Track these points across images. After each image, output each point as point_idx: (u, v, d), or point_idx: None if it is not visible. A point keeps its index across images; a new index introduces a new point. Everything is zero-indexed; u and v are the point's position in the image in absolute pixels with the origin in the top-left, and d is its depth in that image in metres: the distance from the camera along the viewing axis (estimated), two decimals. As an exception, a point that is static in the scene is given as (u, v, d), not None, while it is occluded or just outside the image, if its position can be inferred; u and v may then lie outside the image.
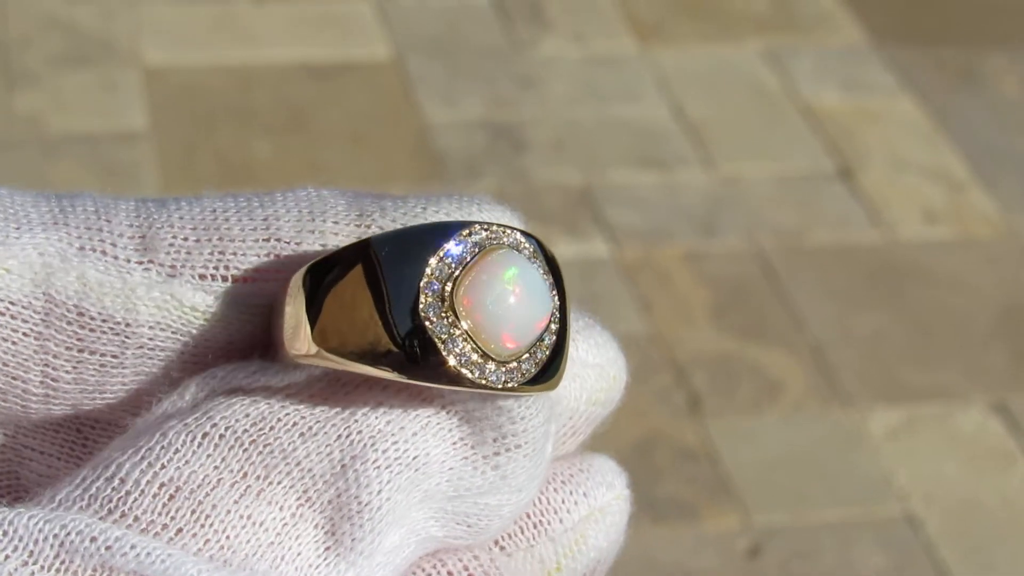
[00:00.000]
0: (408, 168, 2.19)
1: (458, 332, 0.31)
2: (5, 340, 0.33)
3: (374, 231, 0.34)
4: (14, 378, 0.34)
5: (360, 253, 0.32)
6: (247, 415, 0.31)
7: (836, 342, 1.97)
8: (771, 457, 1.80)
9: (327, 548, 0.31)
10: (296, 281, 0.32)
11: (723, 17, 2.57)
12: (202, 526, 0.29)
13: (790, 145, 2.30)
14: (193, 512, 0.29)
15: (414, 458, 0.31)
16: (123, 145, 2.18)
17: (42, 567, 0.28)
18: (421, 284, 0.31)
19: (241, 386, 0.32)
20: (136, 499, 0.30)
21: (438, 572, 0.33)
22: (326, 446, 0.31)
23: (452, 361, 0.31)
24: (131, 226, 0.34)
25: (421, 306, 0.31)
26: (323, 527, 0.30)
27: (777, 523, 1.73)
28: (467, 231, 0.32)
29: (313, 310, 0.32)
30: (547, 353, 0.32)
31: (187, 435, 0.31)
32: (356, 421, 0.31)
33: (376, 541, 0.31)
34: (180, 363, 0.34)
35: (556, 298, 0.33)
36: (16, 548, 0.29)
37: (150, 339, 0.34)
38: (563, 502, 0.36)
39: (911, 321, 2.02)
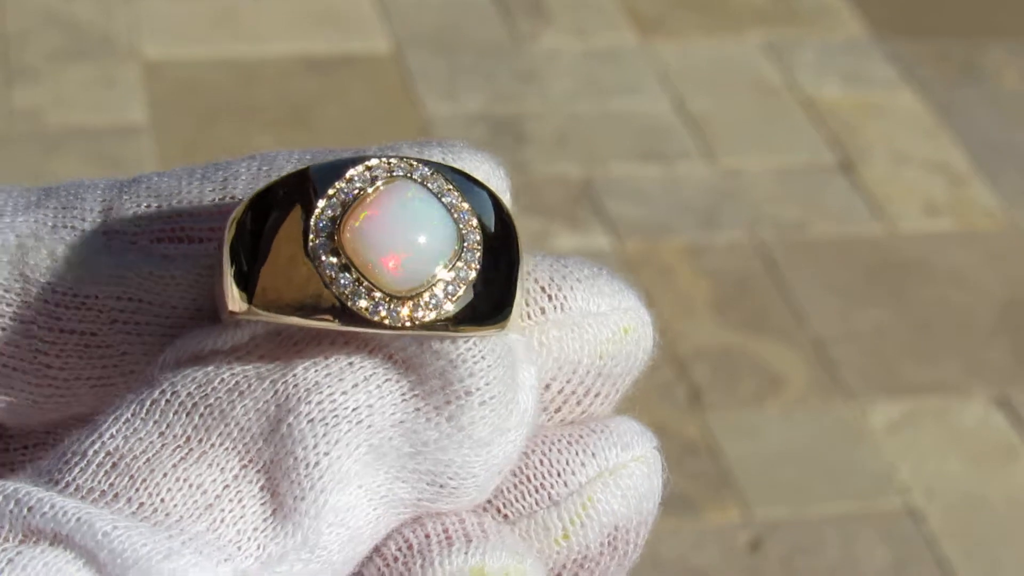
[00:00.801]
0: (408, 162, 2.18)
1: (347, 271, 0.30)
2: None
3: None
4: (14, 368, 0.34)
5: (297, 186, 0.31)
6: (192, 379, 0.31)
7: (837, 336, 1.97)
8: (772, 451, 1.80)
9: (273, 510, 0.30)
10: (229, 226, 0.32)
11: (724, 10, 2.57)
12: (137, 490, 0.29)
13: (791, 138, 2.30)
14: (131, 478, 0.30)
15: (352, 410, 0.30)
16: (123, 139, 2.17)
17: None
18: (311, 223, 0.31)
19: (194, 352, 0.32)
20: (81, 469, 0.30)
21: (416, 535, 0.32)
22: (263, 403, 0.30)
23: (352, 303, 0.30)
24: (101, 201, 0.34)
25: (310, 246, 0.31)
26: (267, 488, 0.30)
27: (778, 517, 1.72)
28: (367, 164, 0.31)
29: (250, 262, 0.31)
30: (463, 288, 0.31)
31: (137, 405, 0.31)
32: (293, 375, 0.31)
33: (320, 499, 0.30)
34: (158, 337, 0.34)
35: (475, 234, 0.31)
36: None
37: (120, 311, 0.34)
38: (567, 463, 0.34)
39: (912, 315, 2.02)
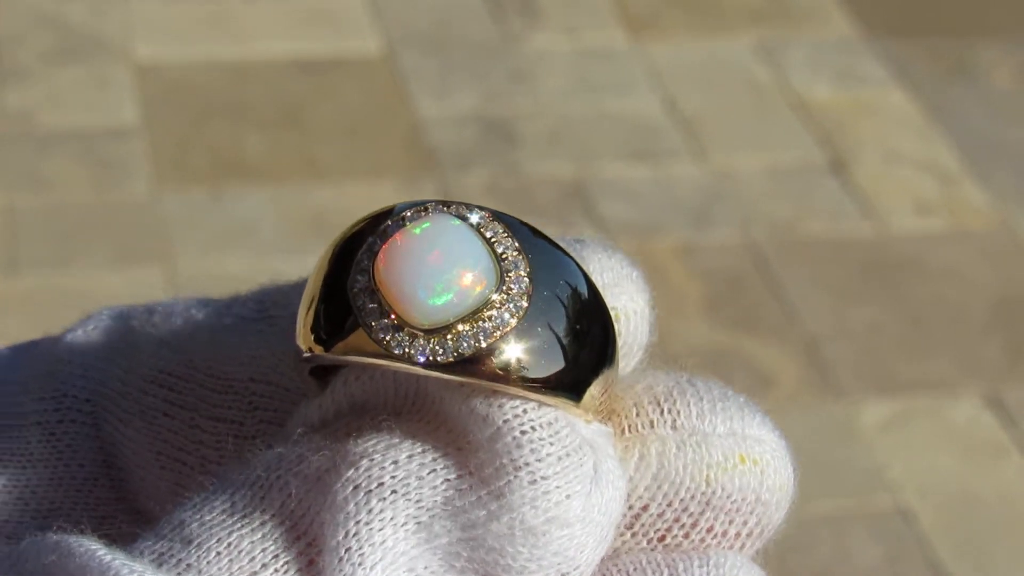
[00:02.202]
0: (400, 162, 2.19)
1: (378, 304, 0.29)
2: (166, 415, 0.34)
3: None
4: (182, 462, 0.34)
5: (378, 223, 0.31)
6: (274, 455, 0.31)
7: (829, 335, 1.97)
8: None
9: None
10: (314, 272, 0.31)
11: (715, 10, 2.57)
12: (188, 552, 0.29)
13: (782, 138, 2.30)
14: (188, 541, 0.30)
15: (400, 480, 0.29)
16: (115, 141, 2.17)
17: None
18: (354, 261, 0.30)
19: (291, 431, 0.32)
20: (155, 536, 0.30)
21: None
22: (314, 469, 0.30)
23: (376, 335, 0.29)
24: (272, 292, 0.35)
25: (349, 283, 0.30)
26: (308, 555, 0.29)
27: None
28: (425, 205, 0.30)
29: (322, 306, 0.30)
30: (497, 335, 0.29)
31: (224, 479, 0.31)
32: (352, 445, 0.30)
33: (358, 573, 0.29)
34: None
35: (523, 280, 0.29)
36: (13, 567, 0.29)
37: (259, 396, 0.34)
38: None
39: (904, 313, 2.02)
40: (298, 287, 0.34)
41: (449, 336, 0.29)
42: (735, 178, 2.21)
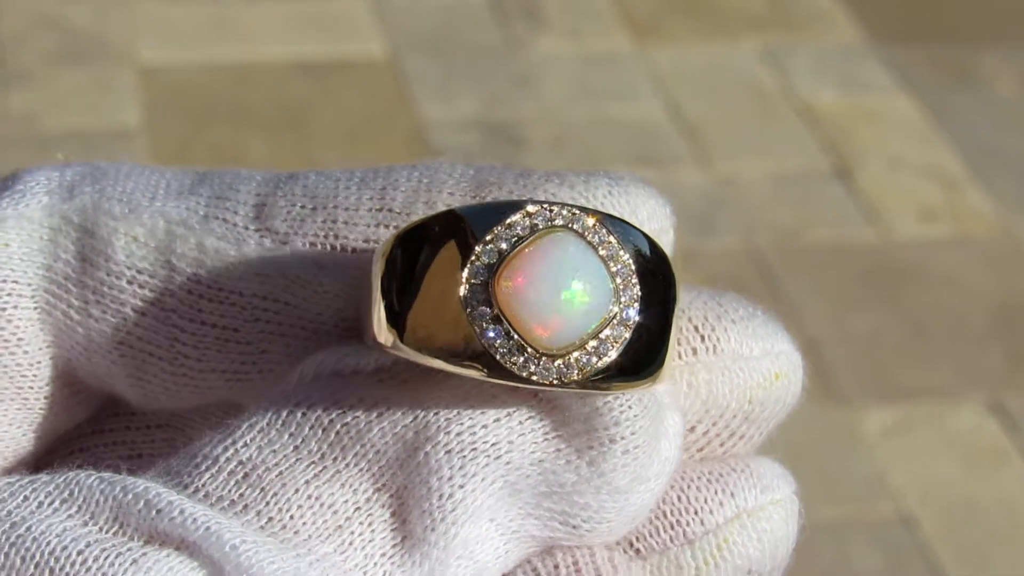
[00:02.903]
0: (403, 166, 2.18)
1: (499, 324, 0.30)
2: (135, 311, 0.33)
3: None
4: (150, 353, 0.34)
5: (451, 225, 0.31)
6: (330, 395, 0.30)
7: (832, 341, 1.97)
8: (765, 456, 1.80)
9: (402, 538, 0.30)
10: (378, 259, 0.31)
11: (719, 15, 2.57)
12: (267, 504, 0.29)
13: (786, 144, 2.30)
14: (263, 490, 0.29)
15: (492, 444, 0.30)
16: (117, 143, 2.17)
17: (100, 528, 0.28)
18: (467, 270, 0.30)
19: (336, 369, 0.32)
20: (212, 475, 0.30)
21: (545, 566, 0.31)
22: (401, 427, 0.30)
23: (502, 358, 0.30)
24: (256, 195, 0.34)
25: (465, 294, 0.30)
26: (397, 514, 0.30)
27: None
28: (527, 211, 0.31)
29: (401, 294, 0.30)
30: (614, 349, 0.30)
31: (273, 415, 0.30)
32: (434, 403, 0.30)
33: (451, 532, 0.29)
34: (301, 341, 0.33)
35: (633, 288, 0.31)
36: (80, 509, 0.29)
37: (264, 311, 0.33)
38: (705, 501, 0.33)
39: (907, 320, 2.02)
40: (289, 192, 0.34)
41: (572, 358, 0.30)
42: (739, 184, 2.21)
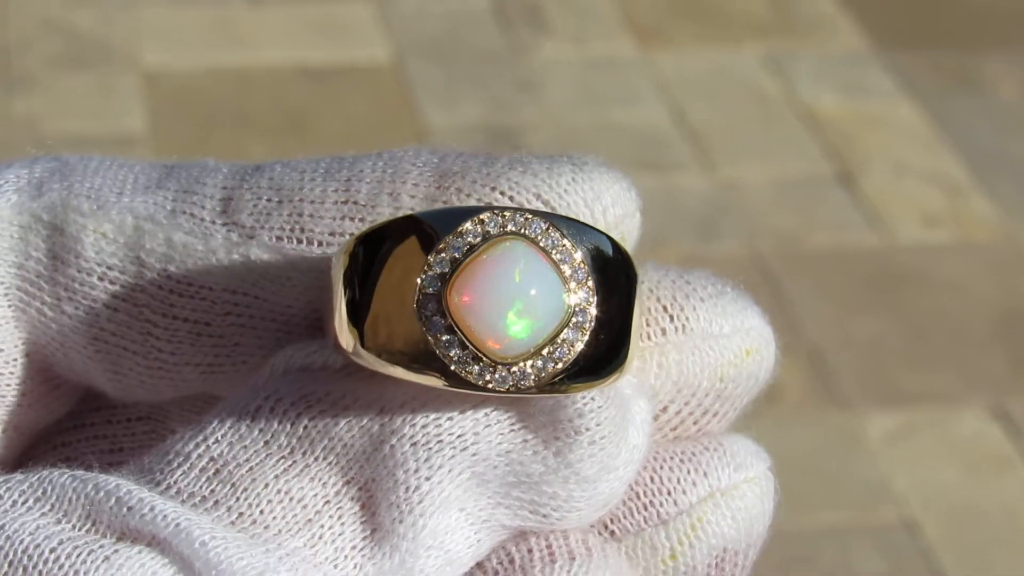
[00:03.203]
0: (407, 171, 2.19)
1: (452, 334, 0.30)
2: (107, 307, 0.34)
3: (452, 196, 0.32)
4: (124, 348, 0.34)
5: (407, 230, 0.31)
6: (299, 389, 0.31)
7: (834, 346, 1.97)
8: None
9: (371, 530, 0.30)
10: (337, 263, 0.31)
11: (722, 21, 2.57)
12: (237, 499, 0.29)
13: (789, 149, 2.30)
14: (233, 486, 0.29)
15: (458, 436, 0.30)
16: (121, 148, 2.17)
17: (73, 526, 0.29)
18: (419, 280, 0.30)
19: (305, 364, 0.32)
20: (183, 472, 0.30)
21: (519, 551, 0.31)
22: (367, 420, 0.30)
23: (458, 368, 0.30)
24: (222, 188, 0.34)
25: (418, 303, 0.30)
26: (366, 507, 0.30)
27: (774, 527, 1.72)
28: (480, 218, 0.31)
29: (361, 298, 0.30)
30: (573, 351, 0.30)
31: (243, 412, 0.30)
32: (400, 396, 0.30)
33: (420, 523, 0.30)
34: (272, 333, 0.33)
35: (588, 290, 0.31)
36: (53, 507, 0.29)
37: (235, 305, 0.33)
38: (678, 482, 0.33)
39: (909, 325, 2.02)
40: (255, 186, 0.34)
41: (527, 365, 0.30)
42: (742, 189, 2.21)
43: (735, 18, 2.58)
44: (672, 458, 0.33)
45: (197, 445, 0.30)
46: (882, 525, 1.76)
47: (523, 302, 0.30)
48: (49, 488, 0.29)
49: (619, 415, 0.31)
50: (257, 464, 0.30)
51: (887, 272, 2.10)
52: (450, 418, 0.30)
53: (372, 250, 0.31)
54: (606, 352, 0.31)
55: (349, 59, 2.40)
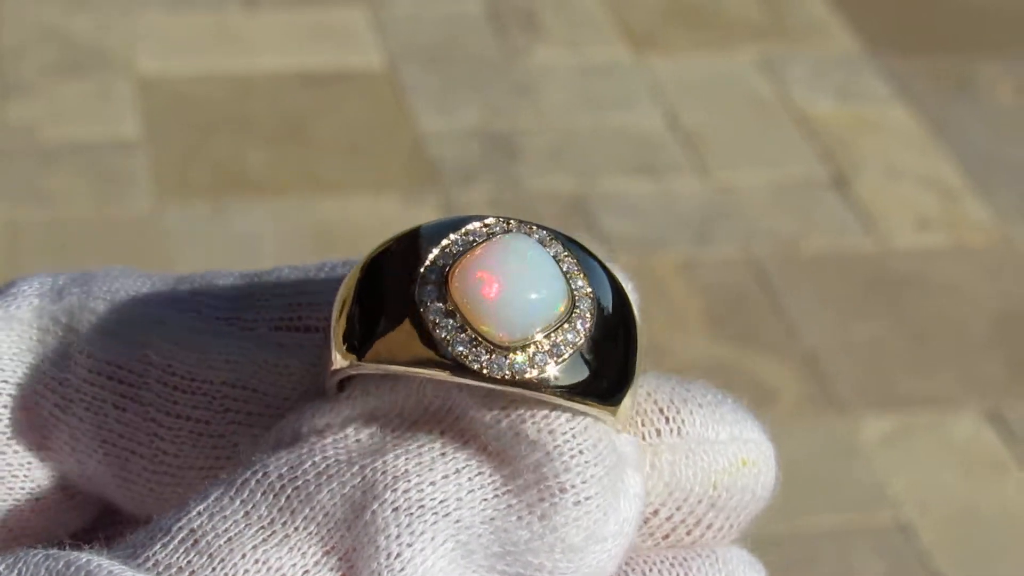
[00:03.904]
0: (403, 177, 2.19)
1: (451, 318, 0.30)
2: (115, 407, 0.34)
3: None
4: (132, 451, 0.34)
5: (412, 240, 0.31)
6: (285, 461, 0.30)
7: (831, 350, 1.97)
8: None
9: None
10: (343, 286, 0.31)
11: (717, 25, 2.57)
12: (214, 570, 0.29)
13: (785, 153, 2.30)
14: (210, 556, 0.29)
15: (440, 502, 0.29)
16: (118, 154, 2.17)
17: None
18: (420, 270, 0.30)
19: (293, 432, 0.32)
20: (162, 544, 0.30)
21: None
22: (350, 488, 0.30)
23: (454, 349, 0.30)
24: (230, 287, 0.34)
25: (416, 291, 0.30)
26: (338, 570, 0.29)
27: (772, 531, 1.72)
28: (485, 222, 0.31)
29: (361, 320, 0.31)
30: (568, 352, 0.30)
31: (227, 485, 0.30)
32: (383, 462, 0.30)
33: None
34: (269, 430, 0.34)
35: (588, 299, 0.31)
36: None
37: (233, 400, 0.33)
38: None
39: (906, 329, 2.02)
40: (262, 285, 0.34)
41: (530, 350, 0.30)
42: (737, 193, 2.22)
43: (729, 22, 2.58)
44: (662, 561, 0.32)
45: (178, 519, 0.30)
46: (879, 528, 1.76)
47: (523, 287, 0.30)
48: (24, 568, 0.29)
49: (608, 478, 0.30)
50: (236, 534, 0.29)
51: (883, 276, 2.10)
52: (433, 483, 0.30)
53: (374, 276, 0.31)
54: (606, 389, 0.31)
55: (345, 65, 2.40)
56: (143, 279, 0.35)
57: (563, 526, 0.30)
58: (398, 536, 0.29)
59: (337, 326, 0.31)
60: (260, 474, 0.30)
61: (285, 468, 0.30)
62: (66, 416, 0.34)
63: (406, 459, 0.30)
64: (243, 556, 0.29)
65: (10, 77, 2.30)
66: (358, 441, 0.31)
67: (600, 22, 2.55)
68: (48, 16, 2.43)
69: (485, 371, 0.30)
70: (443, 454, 0.30)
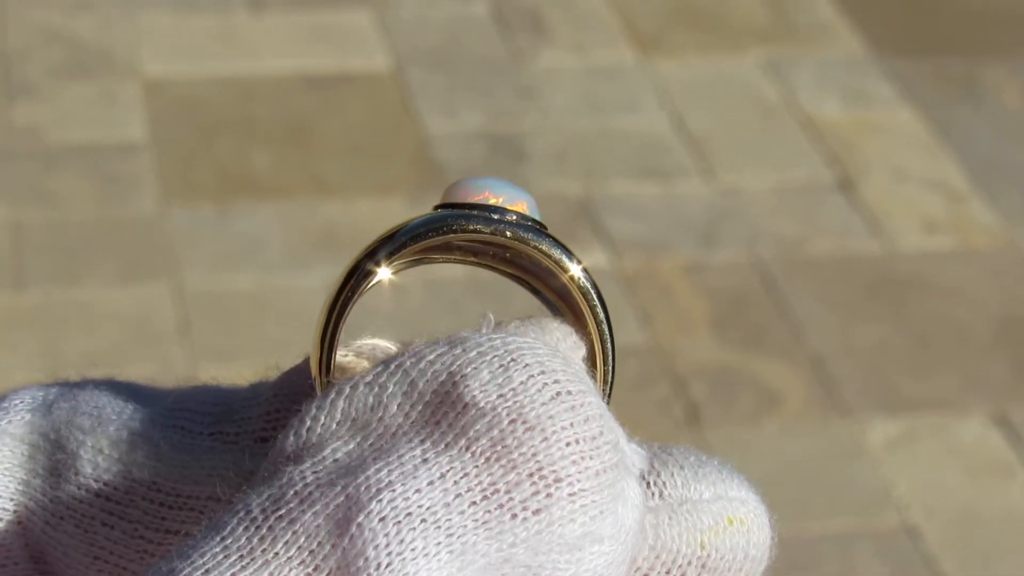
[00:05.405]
0: (408, 178, 2.19)
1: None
2: (104, 524, 0.34)
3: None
4: (123, 568, 0.34)
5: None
6: (267, 495, 0.30)
7: (836, 353, 1.97)
8: (770, 468, 1.80)
9: None
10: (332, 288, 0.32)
11: (723, 28, 2.57)
12: None
13: (790, 156, 2.30)
14: None
15: (427, 508, 0.29)
16: (122, 156, 2.18)
17: None
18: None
19: (276, 455, 0.32)
20: None
21: None
22: (333, 507, 0.29)
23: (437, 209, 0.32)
24: (213, 404, 0.34)
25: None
26: None
27: (777, 534, 1.72)
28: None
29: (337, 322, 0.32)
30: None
31: (207, 526, 0.30)
32: (365, 476, 0.29)
33: None
34: None
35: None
36: None
37: (215, 513, 0.33)
38: None
39: (911, 332, 2.02)
40: (242, 398, 0.34)
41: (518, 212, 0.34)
42: (742, 196, 2.22)
43: (735, 25, 2.58)
44: None
45: (167, 563, 0.30)
46: (884, 531, 1.76)
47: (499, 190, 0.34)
48: None
49: (605, 475, 0.30)
50: (213, 565, 0.29)
51: (888, 279, 2.10)
52: (418, 491, 0.29)
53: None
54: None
55: (350, 67, 2.40)
56: (126, 393, 0.35)
57: (559, 520, 0.29)
58: (387, 545, 0.28)
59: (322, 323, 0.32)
60: (242, 512, 0.30)
61: (268, 502, 0.30)
62: (56, 533, 0.34)
63: (388, 470, 0.29)
64: None
65: (16, 79, 2.30)
66: (336, 461, 0.30)
67: (606, 24, 2.55)
68: (53, 19, 2.43)
69: (495, 215, 0.35)
70: (425, 460, 0.30)
